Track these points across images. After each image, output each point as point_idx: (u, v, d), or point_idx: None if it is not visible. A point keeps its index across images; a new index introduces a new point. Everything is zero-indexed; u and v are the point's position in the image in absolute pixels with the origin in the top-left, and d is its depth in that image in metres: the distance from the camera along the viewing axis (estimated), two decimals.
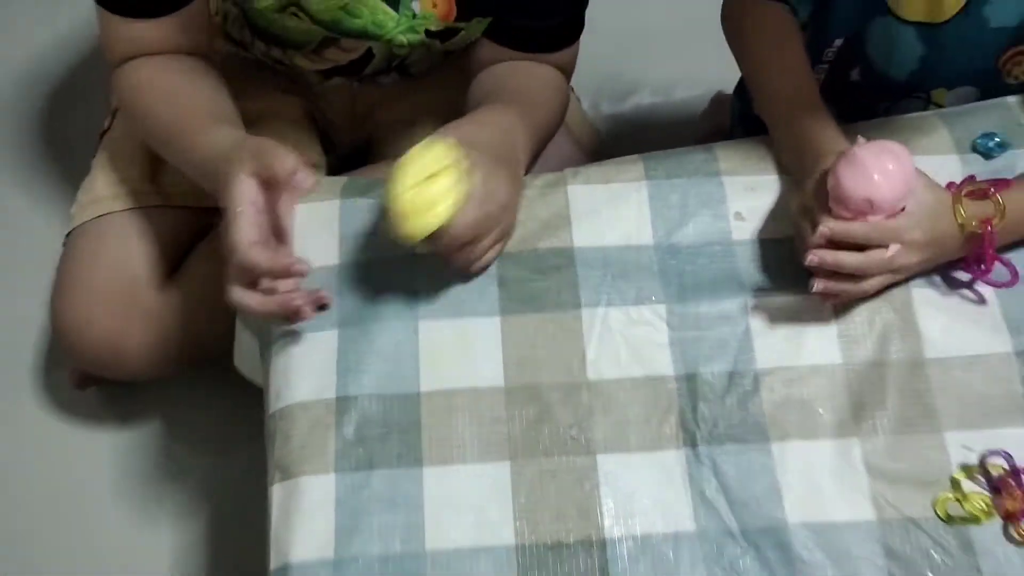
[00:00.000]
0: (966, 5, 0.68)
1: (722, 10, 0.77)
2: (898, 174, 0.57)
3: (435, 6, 0.72)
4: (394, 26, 0.73)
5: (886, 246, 0.57)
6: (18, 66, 1.16)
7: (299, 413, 0.59)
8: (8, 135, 1.12)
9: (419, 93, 0.87)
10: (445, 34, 0.75)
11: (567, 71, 0.79)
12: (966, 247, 0.60)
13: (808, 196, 0.60)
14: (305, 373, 0.61)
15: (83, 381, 0.93)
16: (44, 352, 0.98)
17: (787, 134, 0.66)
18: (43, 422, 0.94)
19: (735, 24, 0.76)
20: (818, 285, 0.58)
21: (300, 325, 0.61)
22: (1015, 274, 0.60)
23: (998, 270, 0.60)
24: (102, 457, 0.92)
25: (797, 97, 0.67)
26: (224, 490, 0.90)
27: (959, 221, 0.59)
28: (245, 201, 0.59)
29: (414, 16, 0.73)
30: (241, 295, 0.59)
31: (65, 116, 1.13)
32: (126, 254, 0.83)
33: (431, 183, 0.57)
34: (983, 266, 0.60)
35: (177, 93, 0.74)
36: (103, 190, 0.85)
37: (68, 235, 0.86)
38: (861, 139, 0.59)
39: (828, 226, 0.57)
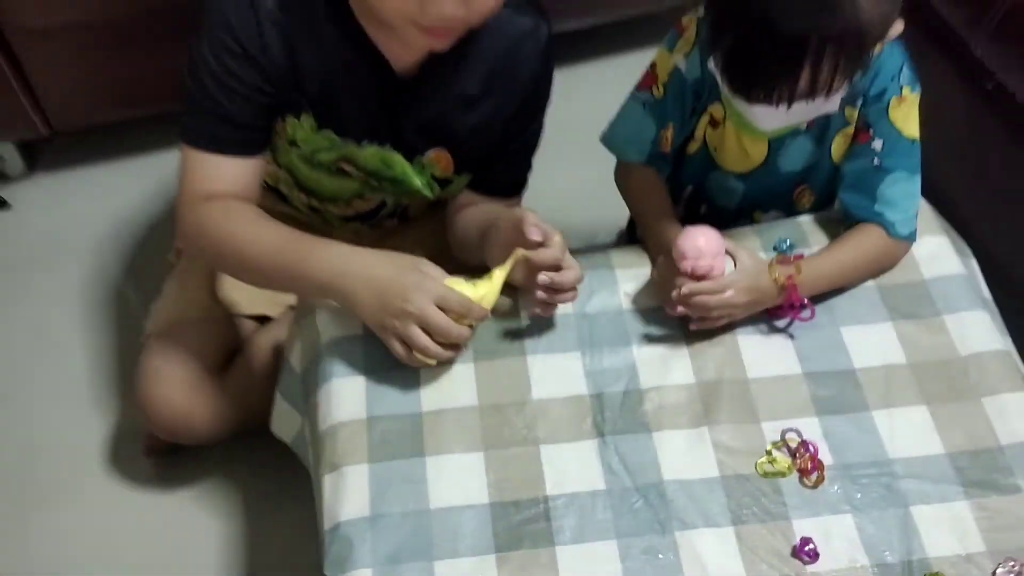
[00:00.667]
0: (766, 158, 0.98)
1: (614, 172, 1.06)
2: (712, 235, 0.88)
3: (439, 162, 1.01)
4: (415, 175, 1.02)
5: (726, 292, 0.86)
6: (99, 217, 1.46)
7: (341, 428, 0.86)
8: (92, 267, 1.41)
9: (412, 230, 1.14)
10: (443, 183, 1.04)
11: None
12: (781, 295, 0.89)
13: (660, 269, 0.91)
14: (343, 403, 0.87)
15: (152, 451, 1.19)
16: (115, 435, 1.24)
17: (653, 239, 0.96)
18: (113, 489, 1.19)
19: (622, 181, 1.06)
20: (693, 325, 0.89)
21: (337, 370, 0.89)
22: (813, 311, 0.90)
23: (804, 311, 0.90)
24: (165, 515, 1.17)
25: (659, 217, 0.97)
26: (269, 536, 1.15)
27: (773, 276, 0.88)
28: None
29: (423, 167, 1.01)
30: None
31: (134, 257, 1.42)
32: (194, 351, 1.09)
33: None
34: (794, 306, 0.89)
35: (271, 223, 0.91)
36: (174, 304, 1.12)
37: (146, 337, 1.12)
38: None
39: (689, 287, 0.86)
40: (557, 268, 0.85)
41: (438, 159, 1.01)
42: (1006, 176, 1.20)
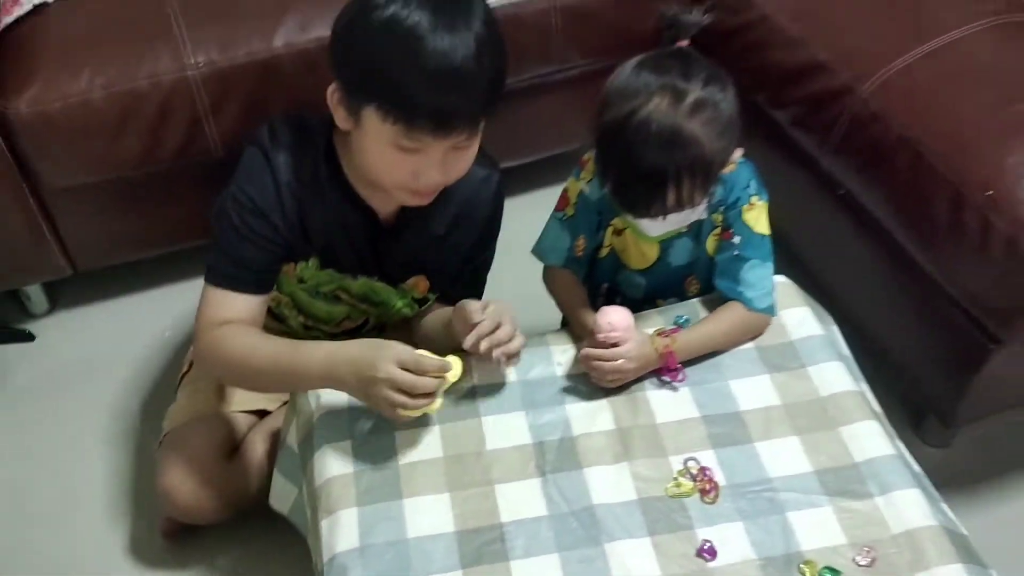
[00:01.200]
0: (659, 257, 1.22)
1: (542, 276, 1.26)
2: (623, 314, 1.10)
3: (417, 286, 1.24)
4: (398, 299, 1.24)
5: (618, 359, 1.08)
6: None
7: (333, 481, 1.05)
8: (109, 389, 1.59)
9: (387, 336, 1.32)
10: (421, 302, 1.26)
11: None
12: (661, 360, 1.12)
13: (584, 347, 1.12)
14: (334, 462, 1.06)
15: (169, 533, 1.35)
16: (135, 529, 1.40)
17: (576, 325, 1.18)
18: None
19: (548, 283, 1.25)
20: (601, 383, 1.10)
21: (328, 437, 1.09)
22: (684, 374, 1.12)
23: (678, 373, 1.12)
24: None
25: (578, 308, 1.18)
26: None
27: (654, 346, 1.11)
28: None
29: (404, 292, 1.24)
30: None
31: (147, 378, 1.60)
32: (203, 443, 1.27)
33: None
34: (670, 369, 1.11)
35: (272, 338, 1.11)
36: (186, 406, 1.31)
37: (164, 436, 1.30)
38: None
39: (586, 351, 1.09)
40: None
41: (417, 284, 1.24)
42: (858, 258, 1.44)
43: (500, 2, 1.53)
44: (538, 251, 1.26)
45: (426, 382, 1.01)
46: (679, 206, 1.06)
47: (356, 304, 1.26)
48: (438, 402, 1.04)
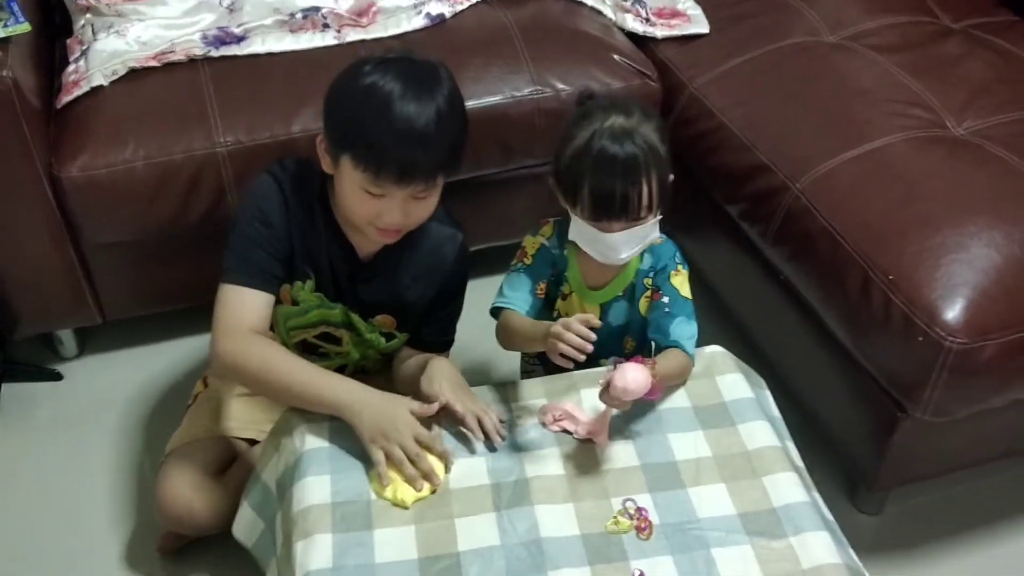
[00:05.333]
0: (601, 318, 1.27)
1: (496, 335, 1.28)
2: (641, 377, 1.08)
3: (385, 322, 1.33)
4: (368, 331, 1.33)
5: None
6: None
7: (312, 509, 1.10)
8: (126, 427, 1.65)
9: (371, 377, 1.40)
10: (388, 337, 1.35)
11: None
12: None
13: (550, 346, 1.11)
14: (314, 492, 1.12)
15: (165, 550, 1.40)
16: (134, 544, 1.46)
17: (534, 335, 1.17)
18: None
19: (500, 332, 1.28)
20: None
21: (311, 470, 1.16)
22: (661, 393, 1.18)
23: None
24: None
25: (525, 323, 1.23)
26: None
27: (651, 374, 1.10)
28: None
29: (374, 326, 1.32)
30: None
31: (159, 420, 1.67)
32: (199, 461, 1.34)
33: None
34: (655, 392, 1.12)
35: (299, 359, 1.18)
36: (187, 430, 1.38)
37: (165, 456, 1.38)
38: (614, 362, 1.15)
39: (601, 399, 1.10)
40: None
41: (384, 320, 1.34)
42: (795, 335, 1.52)
43: (491, 102, 1.65)
44: (499, 301, 1.28)
45: (427, 463, 1.13)
46: (649, 207, 1.16)
47: (335, 331, 1.34)
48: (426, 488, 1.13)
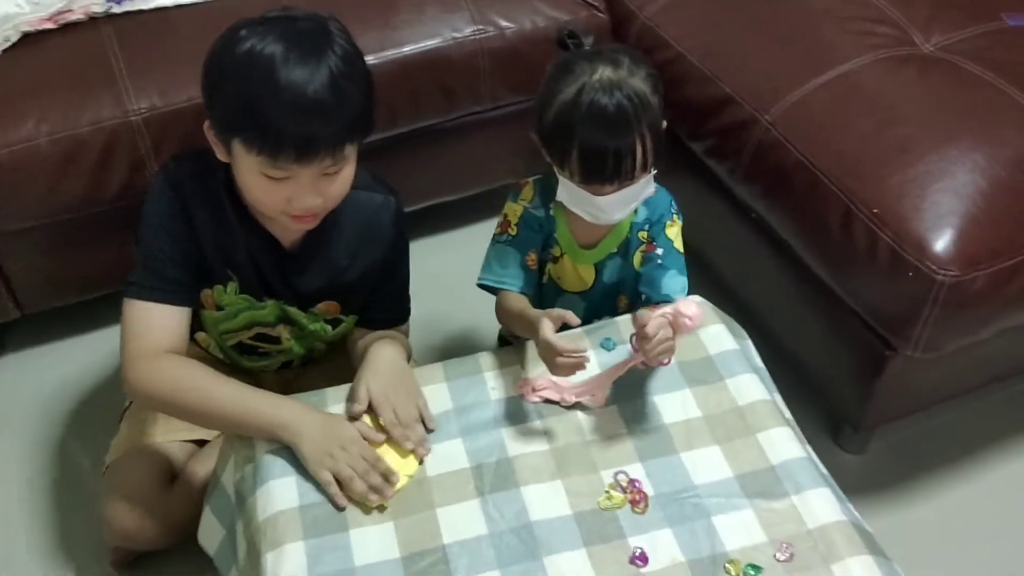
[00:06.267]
0: (595, 278, 1.22)
1: (495, 310, 1.21)
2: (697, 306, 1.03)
3: (328, 309, 1.21)
4: (309, 322, 1.23)
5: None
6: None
7: (279, 516, 1.01)
8: (54, 428, 1.53)
9: (317, 368, 1.33)
10: (334, 323, 1.24)
11: (406, 333, 1.28)
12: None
13: (542, 347, 1.05)
14: (280, 497, 1.03)
15: (119, 563, 1.29)
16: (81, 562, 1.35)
17: (532, 328, 1.08)
18: None
19: (500, 312, 1.20)
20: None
21: (273, 473, 1.05)
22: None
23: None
24: None
25: (527, 311, 1.13)
26: None
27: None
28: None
29: (316, 316, 1.22)
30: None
31: (90, 414, 1.54)
32: (144, 471, 1.23)
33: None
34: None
35: (224, 380, 1.07)
36: (127, 437, 1.26)
37: (107, 467, 1.26)
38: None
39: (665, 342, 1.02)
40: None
41: (328, 308, 1.22)
42: (770, 276, 1.47)
43: (429, 45, 1.52)
44: (488, 278, 1.20)
45: (376, 480, 1.02)
46: (644, 165, 1.07)
47: (271, 330, 1.23)
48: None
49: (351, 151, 1.04)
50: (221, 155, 1.05)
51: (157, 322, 1.08)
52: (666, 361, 1.09)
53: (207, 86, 1.03)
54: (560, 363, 1.05)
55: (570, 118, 1.06)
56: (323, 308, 1.22)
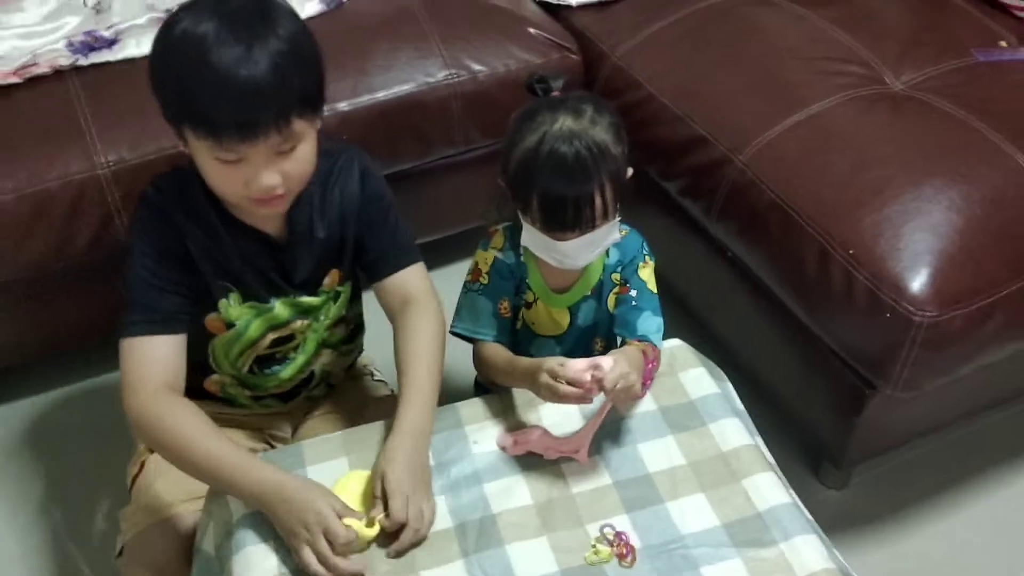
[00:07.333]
0: (570, 321, 1.21)
1: (473, 361, 1.21)
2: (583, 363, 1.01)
3: (331, 282, 1.18)
4: (319, 302, 1.17)
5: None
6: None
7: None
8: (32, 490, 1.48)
9: (333, 399, 1.30)
10: (335, 296, 1.20)
11: (424, 287, 1.17)
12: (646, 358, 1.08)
13: (544, 388, 1.04)
14: (258, 563, 0.99)
15: None
16: None
17: (522, 376, 1.09)
18: None
19: (479, 362, 1.19)
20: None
21: (250, 539, 1.02)
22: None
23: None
24: None
25: (516, 362, 1.13)
26: None
27: (637, 348, 1.08)
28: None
29: (321, 292, 1.17)
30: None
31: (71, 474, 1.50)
32: (166, 549, 1.15)
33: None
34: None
35: (217, 437, 1.02)
36: (144, 510, 1.19)
37: (122, 547, 1.18)
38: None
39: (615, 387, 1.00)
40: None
41: (333, 279, 1.19)
42: (747, 314, 1.47)
43: (403, 91, 1.52)
44: (462, 327, 1.21)
45: (338, 562, 0.97)
46: (604, 213, 1.07)
47: (284, 331, 1.19)
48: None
49: (303, 127, 1.01)
50: (182, 146, 1.04)
51: (151, 354, 1.06)
52: (640, 395, 1.08)
53: (151, 74, 1.01)
54: (565, 392, 1.03)
55: (531, 166, 1.06)
56: (329, 282, 1.19)
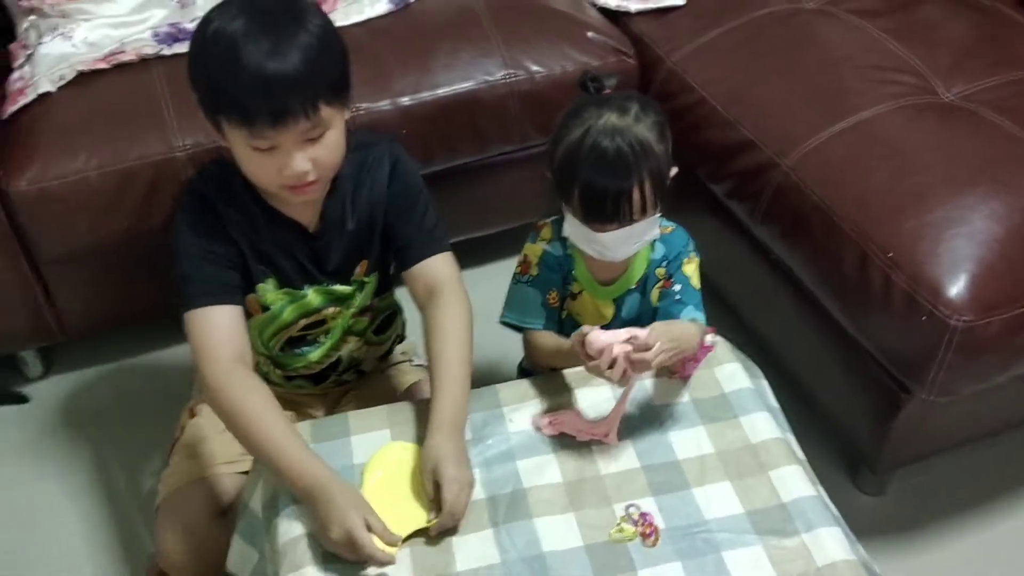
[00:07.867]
0: (614, 313, 1.24)
1: (524, 348, 1.27)
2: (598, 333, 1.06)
3: (360, 272, 1.24)
4: (351, 290, 1.23)
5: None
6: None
7: (301, 540, 1.03)
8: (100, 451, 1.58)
9: (365, 385, 1.36)
10: (361, 286, 1.26)
11: (452, 275, 1.19)
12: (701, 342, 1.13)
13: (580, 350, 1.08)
14: (299, 521, 1.05)
15: None
16: None
17: (571, 355, 1.11)
18: None
19: (529, 351, 1.26)
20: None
21: (295, 500, 1.08)
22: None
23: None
24: None
25: (561, 342, 1.19)
26: None
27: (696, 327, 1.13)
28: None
29: (352, 281, 1.23)
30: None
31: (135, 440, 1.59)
32: (198, 507, 1.24)
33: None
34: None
35: (280, 420, 1.06)
36: (181, 471, 1.27)
37: (162, 500, 1.26)
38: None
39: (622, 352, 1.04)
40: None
41: (363, 268, 1.25)
42: (788, 316, 1.48)
43: (463, 88, 1.58)
44: (511, 317, 1.25)
45: (372, 552, 1.00)
46: (643, 208, 1.11)
47: (316, 316, 1.25)
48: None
49: (330, 114, 1.07)
50: (218, 138, 1.11)
51: (216, 323, 1.11)
52: (682, 373, 1.11)
53: (189, 72, 1.08)
54: (592, 365, 1.07)
55: (574, 159, 1.10)
56: (359, 272, 1.25)
